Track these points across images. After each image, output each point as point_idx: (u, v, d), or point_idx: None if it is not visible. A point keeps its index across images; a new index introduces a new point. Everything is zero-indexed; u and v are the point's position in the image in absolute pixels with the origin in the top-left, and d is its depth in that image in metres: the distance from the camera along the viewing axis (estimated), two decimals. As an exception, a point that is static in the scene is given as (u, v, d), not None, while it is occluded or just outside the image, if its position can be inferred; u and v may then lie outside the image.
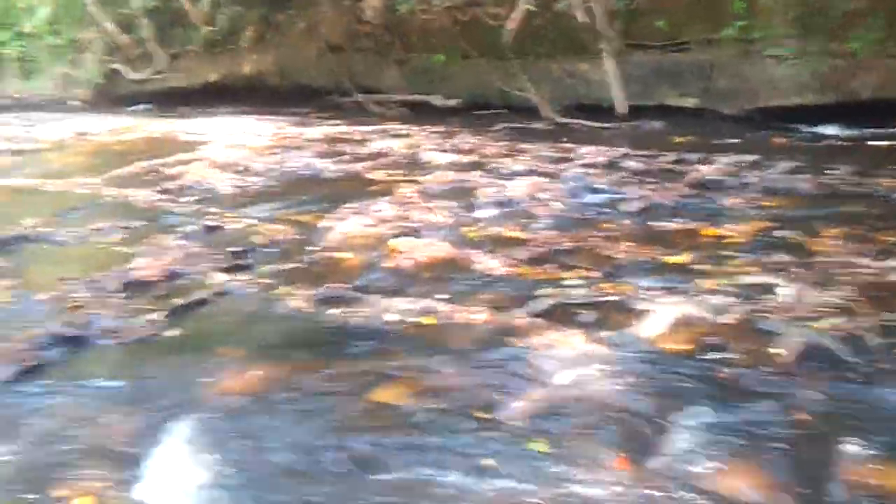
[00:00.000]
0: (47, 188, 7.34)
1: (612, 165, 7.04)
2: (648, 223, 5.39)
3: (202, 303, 4.26)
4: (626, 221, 5.48)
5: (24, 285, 4.52)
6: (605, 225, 5.40)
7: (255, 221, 5.67)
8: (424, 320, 3.73)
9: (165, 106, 14.71)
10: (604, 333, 3.48)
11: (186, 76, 15.05)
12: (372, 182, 6.82)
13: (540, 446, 2.72)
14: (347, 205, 5.90)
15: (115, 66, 15.77)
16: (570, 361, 3.22)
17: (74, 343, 3.84)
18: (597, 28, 9.73)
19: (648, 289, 4.04)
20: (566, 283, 4.16)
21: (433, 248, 4.82)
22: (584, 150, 7.52)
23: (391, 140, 8.94)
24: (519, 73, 10.48)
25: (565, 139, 8.45)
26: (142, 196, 6.55)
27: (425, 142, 8.69)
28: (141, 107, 15.12)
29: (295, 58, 13.62)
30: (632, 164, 7.06)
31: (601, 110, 10.09)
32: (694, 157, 7.32)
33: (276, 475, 2.76)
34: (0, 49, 17.38)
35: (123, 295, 4.34)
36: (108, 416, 3.15)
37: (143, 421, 3.11)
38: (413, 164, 7.47)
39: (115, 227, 5.60)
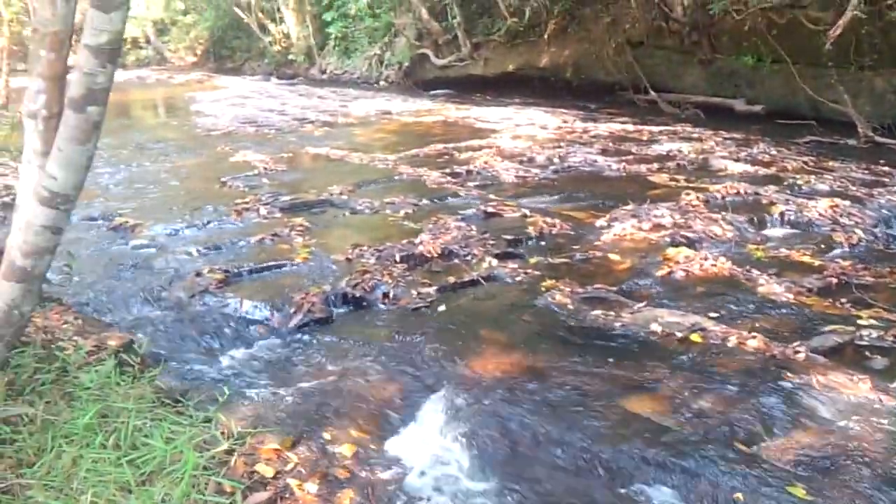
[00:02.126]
0: (352, 160, 8.10)
1: (935, 197, 6.13)
2: (975, 269, 4.62)
3: (472, 283, 4.44)
4: (945, 263, 4.75)
5: (322, 246, 5.03)
6: (916, 263, 4.72)
7: (531, 212, 5.76)
8: (692, 337, 3.53)
9: (463, 92, 15.52)
10: (894, 384, 3.05)
11: (486, 65, 15.71)
12: (654, 185, 6.61)
13: (800, 492, 2.47)
14: (625, 206, 5.77)
15: (423, 50, 16.95)
16: (850, 409, 2.88)
17: (359, 303, 4.22)
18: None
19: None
20: (859, 321, 3.71)
21: (711, 263, 4.55)
22: (905, 175, 6.64)
23: (680, 143, 8.59)
24: (836, 83, 9.49)
25: (882, 161, 7.50)
26: (433, 177, 6.96)
27: (718, 148, 8.22)
28: (441, 91, 16.11)
29: (592, 52, 13.57)
30: (962, 197, 6.09)
31: (927, 131, 8.83)
32: None
33: (520, 464, 2.80)
34: (326, 28, 19.49)
35: (404, 266, 4.65)
36: (376, 374, 3.42)
37: (405, 385, 3.33)
38: (701, 171, 7.11)
39: (405, 203, 6.01)
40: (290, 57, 20.68)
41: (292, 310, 4.06)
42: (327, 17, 19.05)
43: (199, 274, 4.53)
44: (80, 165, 2.16)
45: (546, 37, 14.34)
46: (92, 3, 2.05)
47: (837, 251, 4.97)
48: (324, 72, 19.59)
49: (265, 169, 7.52)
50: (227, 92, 16.59)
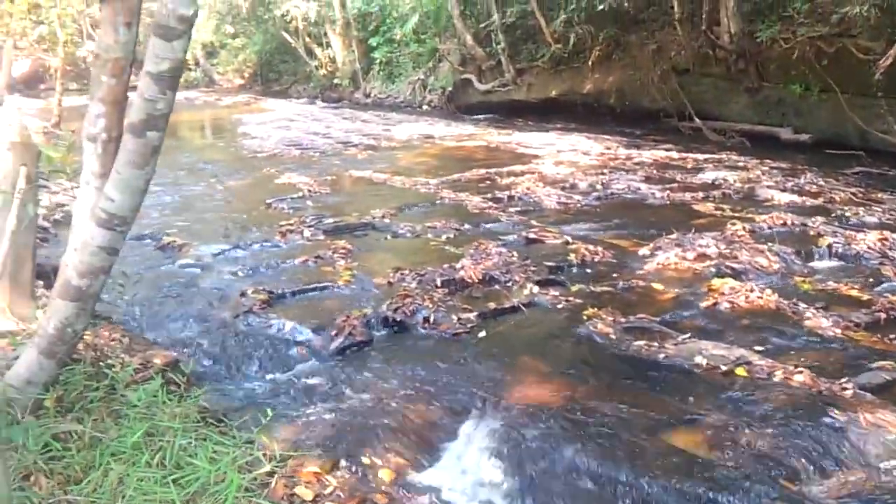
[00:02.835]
0: (394, 183, 8.17)
1: None
2: None
3: (513, 310, 4.43)
4: None
5: (364, 269, 5.07)
6: (970, 300, 4.59)
7: (573, 239, 5.74)
8: (737, 371, 3.47)
9: (505, 117, 15.58)
10: (950, 426, 2.96)
11: (529, 90, 15.77)
12: (699, 214, 6.54)
13: (848, 536, 2.41)
14: (669, 235, 5.72)
15: (466, 75, 17.09)
16: (902, 449, 2.80)
17: (399, 327, 4.24)
18: None
19: None
20: (910, 358, 3.61)
21: (757, 295, 4.48)
22: (957, 208, 6.48)
23: (726, 171, 8.50)
24: (885, 113, 9.33)
25: (935, 193, 7.35)
26: (474, 202, 6.99)
27: (764, 177, 8.11)
28: (483, 116, 16.20)
29: (637, 79, 13.53)
30: None
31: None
32: None
33: (561, 497, 2.78)
34: (371, 53, 19.79)
35: (445, 291, 4.66)
36: (416, 399, 3.42)
37: (445, 411, 3.33)
38: (747, 200, 7.02)
39: (447, 227, 6.04)
40: (336, 81, 21.01)
41: (333, 332, 4.09)
42: (373, 41, 19.36)
43: (243, 294, 4.60)
44: (137, 189, 2.23)
45: (590, 63, 14.35)
46: (154, 31, 2.13)
47: (886, 285, 4.85)
48: (368, 95, 19.85)
49: (309, 191, 7.63)
50: (273, 115, 16.88)
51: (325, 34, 20.91)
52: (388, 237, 5.98)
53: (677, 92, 12.53)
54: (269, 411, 3.02)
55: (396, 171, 8.91)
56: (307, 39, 21.46)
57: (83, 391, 2.56)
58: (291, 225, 6.14)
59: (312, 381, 3.68)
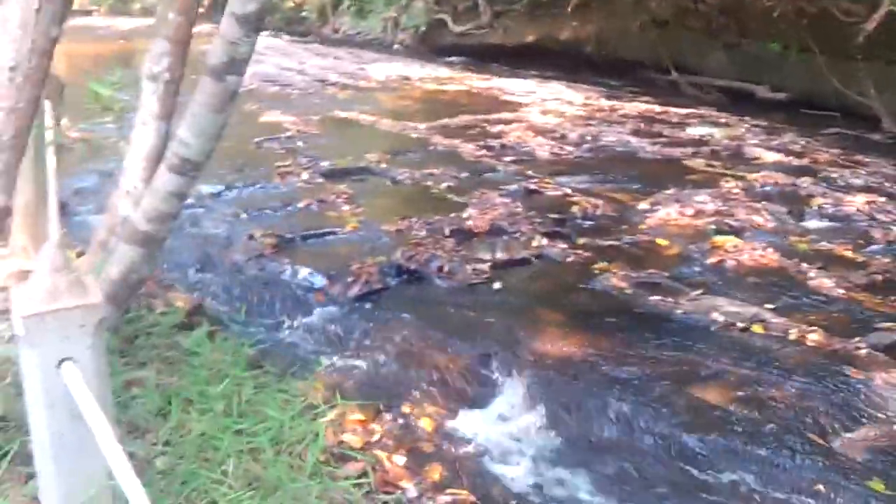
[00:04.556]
0: (383, 126, 8.07)
1: (969, 196, 6.19)
2: None
3: (523, 262, 4.48)
4: (985, 263, 4.81)
5: (370, 215, 5.04)
6: (957, 262, 4.79)
7: (572, 191, 5.78)
8: (754, 328, 3.59)
9: (480, 61, 15.34)
10: (959, 385, 3.13)
11: (505, 34, 15.56)
12: (691, 170, 6.63)
13: (879, 486, 2.56)
14: (666, 191, 5.80)
15: (441, 16, 16.76)
16: (919, 407, 2.96)
17: (413, 276, 4.25)
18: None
19: None
20: (913, 320, 3.78)
21: (760, 253, 4.61)
22: (938, 173, 6.69)
23: (710, 127, 8.60)
24: (864, 76, 9.49)
25: (911, 157, 7.56)
26: (468, 149, 6.96)
27: (748, 135, 8.24)
28: (457, 59, 15.96)
29: (616, 28, 13.47)
30: None
31: (954, 130, 8.87)
32: None
33: (597, 446, 2.88)
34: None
35: (454, 240, 4.68)
36: (442, 348, 3.46)
37: (473, 361, 3.38)
38: (736, 158, 7.13)
39: (446, 175, 6.02)
40: (304, 14, 20.40)
41: (350, 279, 4.09)
42: (342, -23, 18.80)
43: (251, 237, 4.55)
44: (213, 134, 2.17)
45: (569, 9, 14.20)
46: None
47: (876, 247, 5.00)
48: (336, 31, 19.33)
49: (298, 132, 7.49)
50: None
51: (294, -35, 20.24)
52: (388, 183, 5.93)
53: (656, 44, 12.52)
54: (302, 358, 3.04)
55: (382, 113, 8.79)
56: (275, -30, 20.70)
57: (136, 338, 2.53)
58: (288, 167, 6.05)
59: (335, 327, 3.69)
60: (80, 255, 2.99)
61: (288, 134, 7.39)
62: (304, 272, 4.17)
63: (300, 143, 7.01)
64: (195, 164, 2.19)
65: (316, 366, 3.19)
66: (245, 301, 3.84)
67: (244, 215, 4.98)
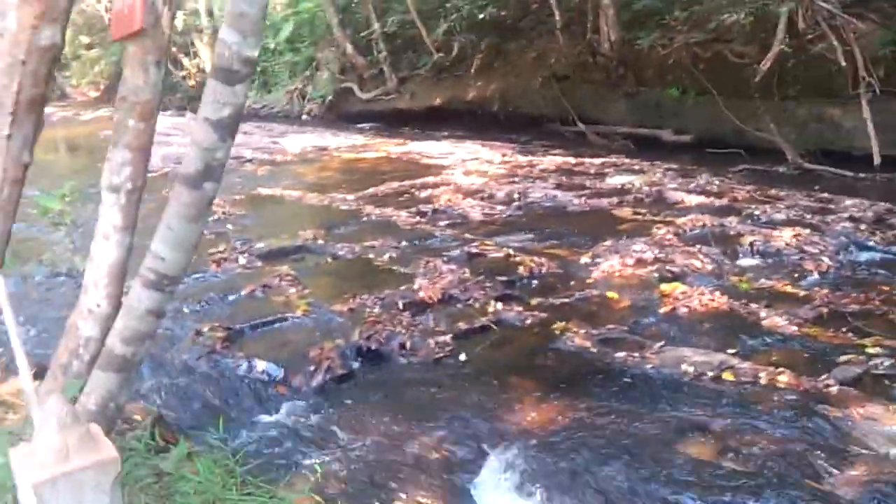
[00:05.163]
0: (310, 201, 7.96)
1: (880, 221, 6.56)
2: (939, 291, 4.96)
3: (483, 329, 4.43)
4: (909, 286, 5.07)
5: (318, 296, 4.91)
6: (884, 287, 5.01)
7: (513, 251, 5.81)
8: (724, 376, 3.64)
9: (390, 126, 15.51)
10: (931, 413, 3.24)
11: (413, 98, 15.80)
12: (621, 219, 6.79)
13: (881, 527, 2.59)
14: (603, 242, 5.90)
15: (347, 84, 16.91)
16: (899, 439, 3.03)
17: (376, 356, 4.13)
18: (856, 73, 9.14)
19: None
20: (867, 350, 3.91)
21: (709, 297, 4.71)
22: (848, 202, 7.06)
23: (629, 175, 8.86)
24: (762, 113, 10.04)
25: (817, 188, 7.98)
26: (402, 217, 6.93)
27: (666, 180, 8.52)
28: (367, 125, 16.08)
29: (519, 86, 13.87)
30: (903, 221, 6.54)
31: (850, 158, 9.41)
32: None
33: (600, 519, 2.82)
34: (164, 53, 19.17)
35: (409, 314, 4.59)
36: (421, 434, 3.35)
37: (455, 443, 3.28)
38: (660, 204, 7.35)
39: (386, 246, 5.95)
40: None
41: (311, 368, 3.94)
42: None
43: (199, 333, 4.34)
44: (190, 245, 2.05)
45: (472, 71, 14.57)
46: (215, 75, 1.96)
47: (811, 279, 5.21)
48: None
49: (224, 213, 7.28)
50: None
51: (192, 43, 20.07)
52: (329, 260, 5.81)
53: (559, 98, 12.92)
54: (298, 464, 2.88)
55: (306, 186, 8.69)
56: (173, 49, 20.47)
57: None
58: (223, 252, 5.85)
59: (304, 422, 3.53)
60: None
61: (214, 217, 7.17)
62: (260, 365, 3.99)
63: (229, 226, 6.82)
64: (173, 279, 2.06)
65: (296, 471, 3.02)
66: (203, 404, 3.65)
67: (186, 309, 4.75)
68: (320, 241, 6.18)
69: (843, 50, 9.02)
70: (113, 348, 2.08)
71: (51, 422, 1.36)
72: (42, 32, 2.04)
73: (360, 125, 16.15)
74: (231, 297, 4.96)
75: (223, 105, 1.93)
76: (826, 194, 7.60)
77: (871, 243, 5.93)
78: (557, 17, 12.82)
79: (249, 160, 10.98)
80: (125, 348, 2.07)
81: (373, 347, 4.17)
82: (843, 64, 8.88)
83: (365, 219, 7.04)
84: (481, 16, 13.58)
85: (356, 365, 4.05)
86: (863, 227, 6.38)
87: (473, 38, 14.23)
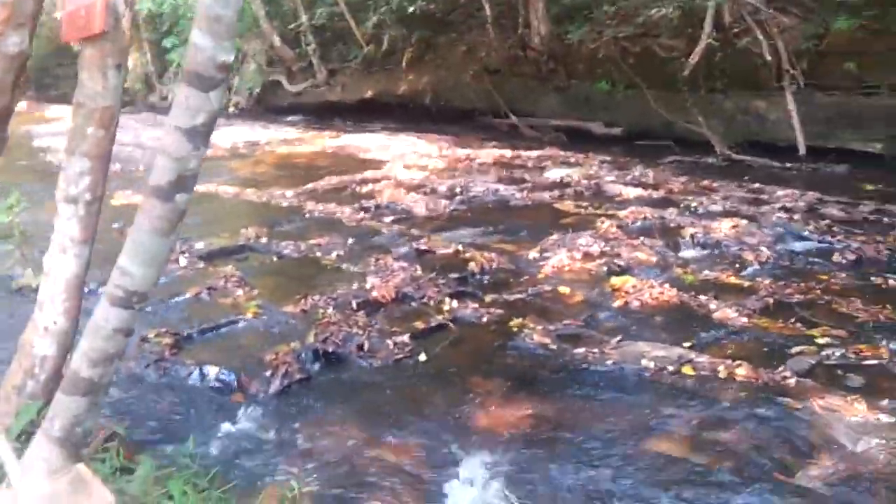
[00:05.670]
0: (249, 197, 7.75)
1: (811, 211, 6.81)
2: (871, 278, 5.17)
3: (440, 328, 4.39)
4: (843, 274, 5.27)
5: (267, 297, 4.78)
6: (822, 276, 5.21)
7: (462, 247, 5.79)
8: (684, 370, 3.69)
9: (320, 119, 15.29)
10: (884, 401, 3.35)
11: (343, 91, 15.60)
12: (564, 213, 6.85)
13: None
14: (549, 237, 5.93)
15: (275, 77, 16.57)
16: (860, 429, 3.13)
17: (333, 359, 4.03)
18: (779, 67, 9.48)
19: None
20: (817, 340, 4.04)
21: (659, 290, 4.78)
22: (780, 192, 7.31)
23: (566, 168, 8.96)
24: (690, 106, 10.30)
25: (747, 178, 8.24)
26: (345, 213, 6.81)
27: (602, 172, 8.65)
28: (297, 118, 15.80)
29: (450, 79, 13.86)
30: (832, 211, 6.80)
31: (776, 149, 9.75)
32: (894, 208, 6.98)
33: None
34: (166, 55, 18.58)
35: (364, 313, 4.51)
36: (388, 439, 3.28)
37: (423, 449, 3.21)
38: (600, 196, 7.45)
39: (332, 244, 5.84)
40: (126, 85, 19.43)
41: (268, 373, 3.81)
42: (167, 43, 18.08)
43: (144, 340, 4.15)
44: (161, 259, 1.93)
45: (403, 64, 14.48)
46: (188, 80, 1.85)
47: (753, 269, 5.36)
48: (164, 98, 18.56)
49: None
50: (65, 124, 15.28)
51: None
52: (274, 259, 5.66)
53: (490, 91, 12.98)
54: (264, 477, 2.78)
55: (242, 182, 8.45)
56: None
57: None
58: (161, 254, 5.61)
59: (266, 432, 3.39)
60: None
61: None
62: (213, 372, 3.84)
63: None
64: (141, 296, 1.94)
65: (263, 485, 2.91)
66: (157, 417, 3.49)
67: (128, 315, 4.54)
68: (263, 240, 6.02)
69: (767, 44, 9.34)
70: (79, 371, 1.94)
71: (37, 466, 1.25)
72: (8, 39, 1.88)
73: (289, 118, 15.88)
74: (175, 301, 4.77)
75: (197, 112, 1.82)
76: (757, 184, 7.86)
77: (805, 233, 6.14)
78: (488, 12, 12.84)
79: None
80: (92, 370, 1.94)
81: (330, 350, 4.07)
82: (769, 58, 9.18)
83: (307, 215, 6.89)
84: (411, 9, 13.47)
85: (314, 368, 3.94)
86: (796, 216, 6.62)
87: (404, 31, 14.12)
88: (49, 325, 2.19)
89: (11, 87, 2.00)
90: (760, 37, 9.39)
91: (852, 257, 5.58)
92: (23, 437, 2.36)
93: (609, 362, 3.85)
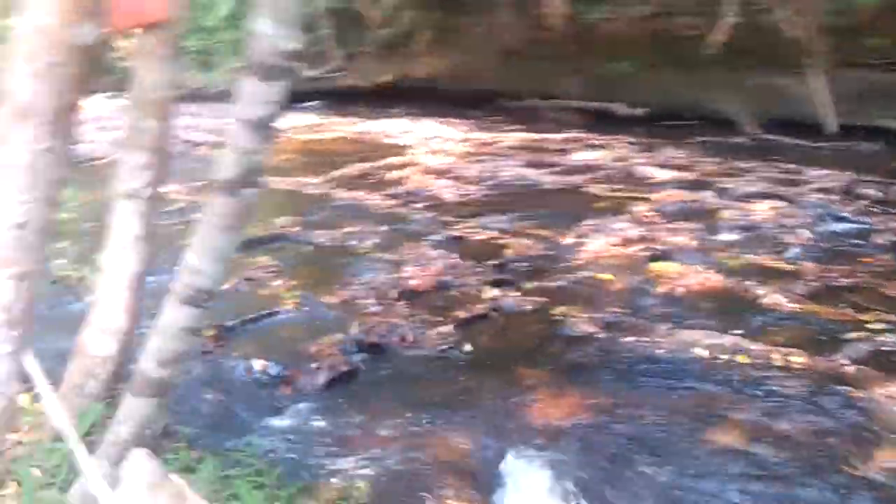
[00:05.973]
0: (277, 186, 7.66)
1: (848, 192, 6.69)
2: (916, 260, 5.06)
3: (484, 317, 4.32)
4: (886, 256, 5.17)
5: (306, 288, 4.72)
6: (866, 259, 5.11)
7: (496, 233, 5.72)
8: (738, 358, 3.62)
9: (338, 104, 15.14)
10: (948, 390, 3.27)
11: (359, 76, 15.47)
12: (597, 197, 6.76)
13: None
14: (585, 221, 5.86)
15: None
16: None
17: (378, 350, 3.98)
18: (806, 44, 9.30)
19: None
20: (869, 326, 3.95)
21: (701, 276, 4.70)
22: (813, 172, 7.18)
23: (593, 151, 8.84)
24: (715, 85, 10.15)
25: (779, 158, 8.11)
26: (374, 201, 6.75)
27: (631, 155, 8.53)
28: (315, 104, 15.67)
29: (469, 62, 13.72)
30: (869, 191, 6.67)
31: (803, 127, 9.60)
32: (935, 187, 6.85)
33: (645, 513, 2.75)
34: (181, 42, 18.49)
35: (405, 303, 4.45)
36: (440, 432, 3.22)
37: (478, 441, 3.16)
38: (632, 179, 7.35)
39: (366, 232, 5.78)
40: (141, 72, 19.40)
41: (314, 365, 3.77)
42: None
43: (187, 333, 4.11)
44: (228, 256, 1.88)
45: (421, 47, 14.35)
46: (252, 70, 1.79)
47: (794, 252, 5.27)
48: (183, 87, 18.54)
49: (189, 202, 6.97)
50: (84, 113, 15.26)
51: (124, 22, 19.20)
52: (310, 248, 5.61)
53: (510, 74, 12.85)
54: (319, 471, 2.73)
55: (268, 170, 8.34)
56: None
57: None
58: (195, 244, 5.57)
59: (315, 424, 3.36)
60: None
61: (179, 206, 6.86)
62: (259, 365, 3.80)
63: (197, 215, 6.51)
64: (210, 293, 1.89)
65: (319, 480, 2.87)
66: (207, 410, 3.45)
67: (168, 308, 4.50)
68: (296, 229, 5.97)
69: (793, 21, 9.16)
70: (148, 371, 1.90)
71: (139, 479, 1.20)
72: (78, 28, 1.82)
73: (307, 104, 15.74)
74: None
75: (262, 104, 1.75)
76: (791, 165, 7.72)
77: (844, 214, 6.04)
78: (506, -8, 12.69)
79: (201, 143, 10.57)
80: (161, 371, 1.89)
81: (374, 341, 4.02)
82: (795, 34, 9.01)
83: (337, 204, 6.83)
84: (428, -10, 13.35)
85: (360, 361, 3.89)
86: (833, 197, 6.50)
87: (419, 13, 13.98)
88: (109, 324, 2.15)
89: (81, 83, 1.94)
90: (785, 14, 9.21)
91: (894, 238, 5.47)
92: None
93: (660, 351, 3.78)
